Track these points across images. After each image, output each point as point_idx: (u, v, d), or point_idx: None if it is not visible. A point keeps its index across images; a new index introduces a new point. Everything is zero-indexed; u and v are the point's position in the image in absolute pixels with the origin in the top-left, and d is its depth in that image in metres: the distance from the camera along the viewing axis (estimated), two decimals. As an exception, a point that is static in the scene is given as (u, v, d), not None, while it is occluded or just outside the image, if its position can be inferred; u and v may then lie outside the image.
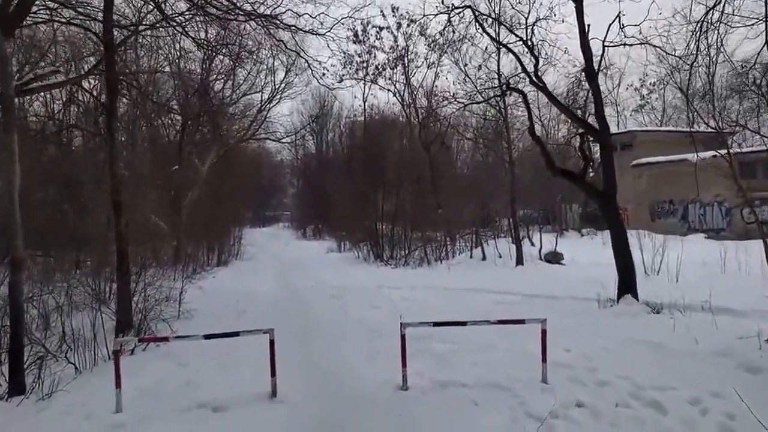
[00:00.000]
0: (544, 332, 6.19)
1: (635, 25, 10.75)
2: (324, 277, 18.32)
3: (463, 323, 6.30)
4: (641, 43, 11.04)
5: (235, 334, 6.33)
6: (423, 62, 26.52)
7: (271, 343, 6.13)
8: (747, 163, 25.12)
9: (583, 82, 11.79)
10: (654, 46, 11.06)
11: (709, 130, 11.17)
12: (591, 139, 12.48)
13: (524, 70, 11.80)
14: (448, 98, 17.92)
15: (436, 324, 6.42)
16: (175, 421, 5.65)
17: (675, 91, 36.59)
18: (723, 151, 11.73)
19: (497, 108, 19.25)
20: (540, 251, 19.58)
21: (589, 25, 10.61)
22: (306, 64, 13.53)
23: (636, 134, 29.56)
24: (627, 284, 10.79)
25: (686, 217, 26.80)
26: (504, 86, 13.16)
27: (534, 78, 11.65)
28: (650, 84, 35.70)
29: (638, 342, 8.02)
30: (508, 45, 11.94)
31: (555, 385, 6.08)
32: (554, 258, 19.26)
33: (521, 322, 6.27)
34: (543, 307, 11.37)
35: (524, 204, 25.10)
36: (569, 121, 29.45)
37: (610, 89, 35.59)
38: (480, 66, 15.21)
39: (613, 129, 35.66)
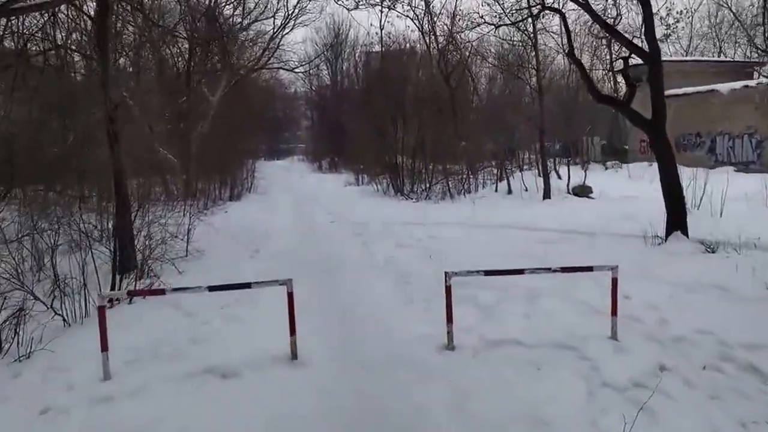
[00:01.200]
0: (615, 281, 5.35)
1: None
2: (343, 211, 17.49)
3: (521, 271, 5.43)
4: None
5: (246, 285, 5.49)
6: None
7: (290, 296, 5.26)
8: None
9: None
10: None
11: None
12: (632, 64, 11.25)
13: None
14: (473, 21, 16.50)
15: (488, 273, 5.54)
16: (174, 392, 4.72)
17: (703, 19, 34.50)
18: (753, 82, 10.69)
19: (526, 33, 17.84)
20: (568, 184, 18.60)
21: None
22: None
23: (662, 65, 27.80)
24: (677, 220, 9.88)
25: (714, 150, 25.45)
26: (540, 5, 11.84)
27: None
28: (677, 12, 33.49)
29: (704, 287, 7.18)
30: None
31: (627, 343, 5.28)
32: (583, 191, 18.30)
33: (589, 269, 5.43)
34: (585, 246, 10.54)
35: (548, 136, 23.91)
36: (596, 48, 27.85)
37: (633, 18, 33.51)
38: (510, -18, 13.76)
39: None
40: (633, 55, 10.98)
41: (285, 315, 5.35)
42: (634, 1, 10.29)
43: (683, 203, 10.00)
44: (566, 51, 10.94)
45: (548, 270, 5.39)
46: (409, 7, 25.32)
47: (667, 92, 26.55)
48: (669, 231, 9.89)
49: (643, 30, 9.83)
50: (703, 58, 28.53)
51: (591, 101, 29.08)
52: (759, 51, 23.53)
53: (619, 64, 22.18)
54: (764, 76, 24.31)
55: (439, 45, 25.14)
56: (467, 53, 22.18)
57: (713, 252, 9.13)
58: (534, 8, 12.39)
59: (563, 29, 10.97)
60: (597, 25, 22.83)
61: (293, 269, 8.84)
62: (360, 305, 7.37)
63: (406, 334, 5.98)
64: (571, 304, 6.58)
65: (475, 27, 14.57)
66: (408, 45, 28.26)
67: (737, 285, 7.15)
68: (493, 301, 6.82)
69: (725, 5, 14.96)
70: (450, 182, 20.63)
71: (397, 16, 26.69)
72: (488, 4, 15.41)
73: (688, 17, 33.16)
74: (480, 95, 23.13)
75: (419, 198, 20.23)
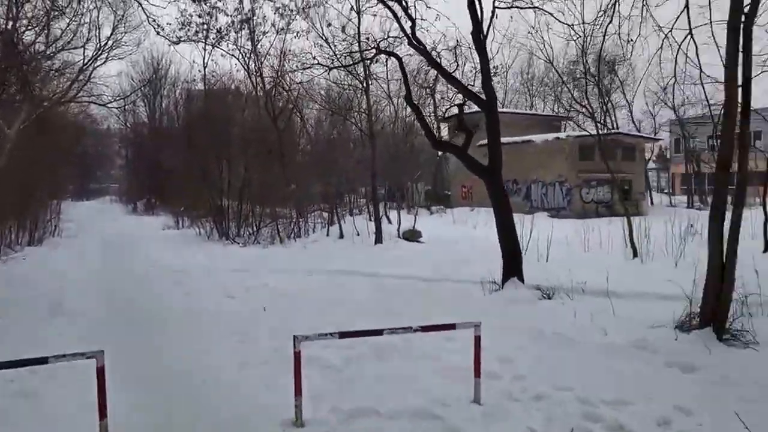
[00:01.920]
0: (477, 340, 4.86)
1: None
2: (163, 258, 15.67)
3: (379, 332, 4.70)
4: (533, 8, 10.14)
5: (42, 360, 4.10)
6: (271, 27, 24.17)
7: (100, 372, 4.02)
8: (587, 146, 26.44)
9: (463, 48, 10.73)
10: (546, 12, 10.20)
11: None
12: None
13: (403, 30, 10.43)
14: (304, 62, 16.07)
15: (343, 335, 4.74)
16: None
17: (516, 75, 38.11)
18: (564, 134, 11.66)
19: (358, 77, 17.83)
20: (398, 229, 18.66)
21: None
22: (139, 20, 10.90)
23: (483, 115, 29.88)
24: (513, 266, 9.99)
25: (530, 196, 27.69)
26: (374, 48, 11.70)
27: (413, 40, 10.34)
28: (493, 67, 36.62)
29: (549, 336, 7.07)
30: (385, 1, 10.41)
31: (491, 407, 4.78)
32: (413, 236, 18.47)
33: (451, 327, 4.87)
34: (426, 293, 10.26)
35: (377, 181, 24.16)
36: (420, 96, 29.07)
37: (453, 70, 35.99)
38: (344, 27, 13.57)
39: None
40: (468, 103, 11.19)
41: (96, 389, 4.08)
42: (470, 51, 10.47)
43: (519, 249, 10.15)
44: (404, 95, 10.83)
45: (409, 330, 4.73)
46: (234, 46, 24.34)
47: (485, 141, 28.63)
48: (506, 277, 9.95)
49: (477, 78, 9.98)
50: (518, 111, 31.06)
51: (418, 147, 30.29)
52: (565, 108, 26.32)
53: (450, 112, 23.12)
54: (582, 127, 26.73)
55: (266, 86, 24.43)
56: (296, 94, 21.70)
57: (549, 298, 9.27)
58: (368, 51, 12.23)
59: (402, 74, 10.84)
60: (421, 74, 23.95)
61: (105, 329, 7.49)
62: (187, 373, 6.11)
63: (244, 408, 4.95)
64: (426, 363, 6.02)
65: (305, 68, 14.16)
66: (233, 84, 27.17)
67: (579, 333, 7.14)
68: (342, 362, 6.02)
69: (546, 60, 16.19)
70: (279, 226, 19.70)
71: (222, 55, 25.24)
72: (320, 46, 15.09)
73: (503, 72, 36.20)
74: (310, 137, 22.69)
75: (246, 242, 18.98)
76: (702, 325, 6.90)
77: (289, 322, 7.57)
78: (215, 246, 18.86)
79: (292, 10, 21.33)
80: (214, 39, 23.53)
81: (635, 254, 13.86)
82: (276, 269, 13.14)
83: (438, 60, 10.34)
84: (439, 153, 31.97)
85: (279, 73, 22.06)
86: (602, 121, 36.64)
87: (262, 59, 22.78)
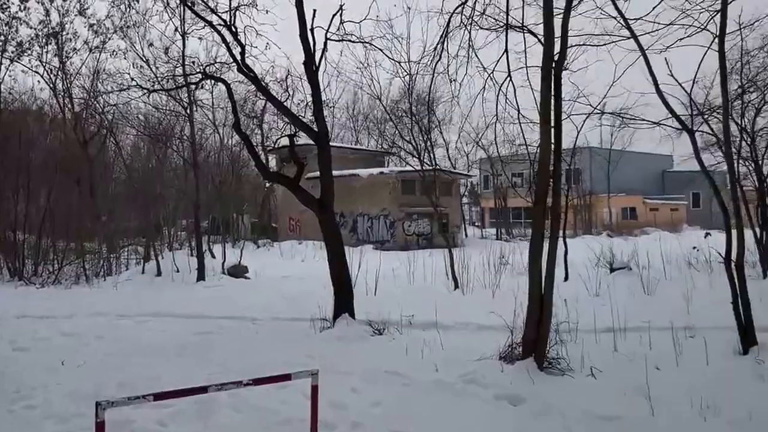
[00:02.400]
0: (315, 390, 4.46)
1: (356, 22, 9.89)
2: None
3: (203, 389, 4.09)
4: (364, 42, 10.24)
5: None
6: (84, 45, 22.07)
7: None
8: (408, 181, 27.57)
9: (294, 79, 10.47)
10: (377, 47, 10.35)
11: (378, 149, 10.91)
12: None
13: (232, 56, 9.93)
14: (120, 84, 14.73)
15: (159, 397, 4.05)
16: None
17: (342, 110, 38.94)
18: (387, 169, 12.04)
19: (181, 102, 16.74)
20: (223, 264, 17.70)
21: (315, 11, 9.37)
22: None
23: (311, 148, 29.91)
24: (344, 302, 9.79)
25: (356, 229, 28.07)
26: (202, 74, 11.00)
27: (243, 67, 9.89)
28: (324, 100, 37.05)
29: (383, 375, 6.90)
30: (215, 25, 9.84)
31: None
32: (238, 272, 17.63)
33: (286, 378, 4.42)
34: (252, 334, 9.66)
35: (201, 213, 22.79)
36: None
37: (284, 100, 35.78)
38: (167, 49, 12.62)
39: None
40: (298, 134, 10.91)
41: None
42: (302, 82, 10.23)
43: (350, 285, 9.99)
44: (231, 123, 10.24)
45: (239, 384, 4.20)
46: (38, 63, 21.78)
47: (315, 174, 28.62)
48: (337, 313, 9.71)
49: (308, 110, 9.77)
50: (344, 145, 31.51)
51: (244, 178, 29.38)
52: (388, 143, 27.27)
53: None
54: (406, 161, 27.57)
55: (76, 108, 22.14)
56: (111, 118, 19.84)
57: (380, 333, 9.18)
58: (193, 76, 11.47)
59: (230, 100, 10.26)
60: (249, 103, 23.31)
61: None
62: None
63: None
64: (258, 416, 5.48)
65: (122, 90, 12.91)
66: (35, 104, 24.25)
67: (412, 370, 7.09)
68: (156, 424, 5.27)
69: (375, 96, 16.53)
70: (86, 263, 17.63)
71: (23, 71, 22.36)
72: (140, 68, 13.92)
73: (331, 107, 36.66)
74: (126, 165, 20.83)
75: (45, 283, 16.65)
76: (524, 355, 7.18)
77: (94, 379, 6.58)
78: (4, 288, 16.28)
79: (108, 28, 19.69)
80: (13, 53, 20.93)
81: (456, 285, 14.48)
82: (80, 313, 11.60)
83: (267, 89, 9.97)
84: (267, 185, 31.35)
85: (91, 95, 20.08)
86: (422, 157, 38.87)
87: (72, 78, 20.59)
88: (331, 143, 26.98)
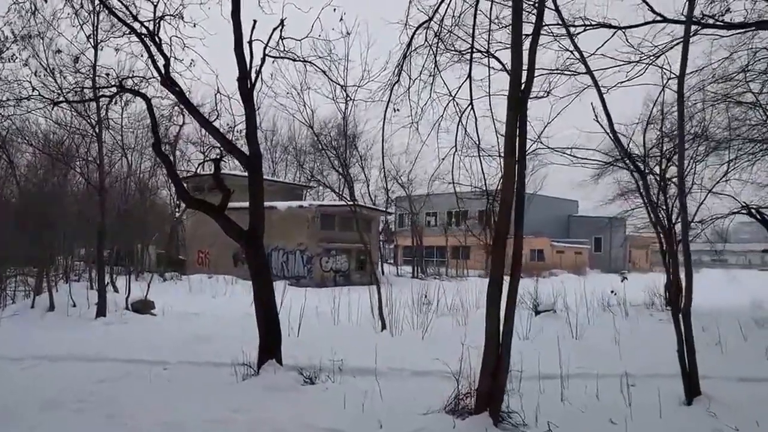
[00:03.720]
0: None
1: (297, 39, 9.23)
2: None
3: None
4: (303, 61, 9.57)
5: None
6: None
7: None
8: (328, 215, 26.81)
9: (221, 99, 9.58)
10: (318, 67, 9.71)
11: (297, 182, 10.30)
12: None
13: (156, 67, 8.96)
14: (17, 94, 13.09)
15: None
16: None
17: (261, 140, 37.81)
18: (307, 203, 11.44)
19: (89, 118, 15.21)
20: (127, 299, 16.09)
21: (255, 22, 8.62)
22: None
23: (224, 177, 28.53)
24: (271, 346, 8.84)
25: (270, 264, 26.83)
26: (118, 86, 9.87)
27: (167, 80, 8.94)
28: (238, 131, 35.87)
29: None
30: (139, 32, 8.86)
31: None
32: (145, 307, 16.08)
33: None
34: (162, 382, 8.48)
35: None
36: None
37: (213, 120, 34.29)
38: (77, 58, 11.31)
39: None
40: (225, 158, 9.99)
41: None
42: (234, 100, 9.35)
43: (278, 327, 9.06)
44: (152, 144, 9.19)
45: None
46: None
47: (230, 205, 27.29)
48: (262, 359, 8.74)
49: (243, 130, 8.89)
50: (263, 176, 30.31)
51: (152, 207, 27.48)
52: (308, 176, 26.46)
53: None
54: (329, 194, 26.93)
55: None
56: (4, 133, 17.74)
57: (312, 383, 8.34)
58: (106, 89, 10.29)
59: (150, 117, 9.21)
60: (162, 125, 21.87)
61: None
62: None
63: None
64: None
65: (21, 99, 11.35)
66: None
67: (354, 428, 6.43)
68: None
69: (306, 124, 15.76)
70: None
71: None
72: (42, 75, 12.44)
73: (264, 131, 35.48)
74: (20, 185, 18.63)
75: None
76: (478, 410, 6.60)
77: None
78: None
79: (6, 37, 17.79)
80: None
81: (384, 326, 13.82)
82: (-47, 355, 9.90)
83: (194, 105, 9.03)
84: (177, 214, 29.55)
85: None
86: (342, 192, 38.35)
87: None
88: (239, 174, 25.96)
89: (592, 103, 7.91)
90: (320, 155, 34.59)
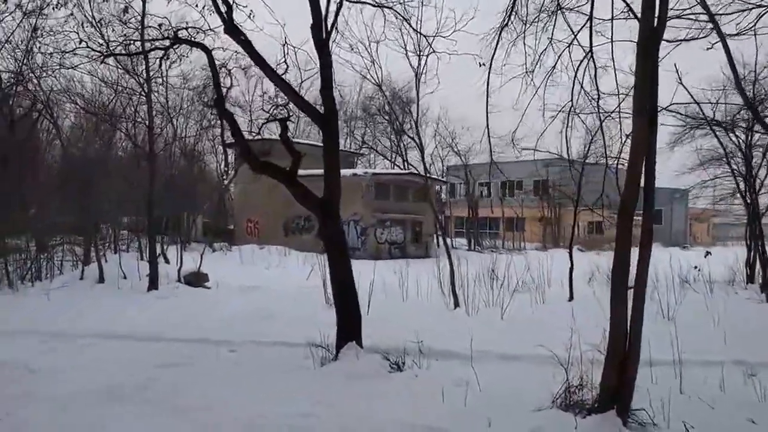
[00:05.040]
0: None
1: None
2: None
3: None
4: (382, 6, 8.27)
5: None
6: (16, 8, 19.10)
7: None
8: (382, 184, 25.61)
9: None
10: (396, 12, 8.37)
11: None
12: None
13: (219, 12, 7.78)
14: (63, 47, 12.14)
15: None
16: None
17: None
18: (361, 170, 10.24)
19: (138, 77, 14.26)
20: (179, 271, 15.27)
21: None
22: None
23: (274, 143, 27.48)
24: (350, 328, 7.76)
25: (345, 236, 25.89)
26: (173, 38, 8.75)
27: (231, 27, 7.75)
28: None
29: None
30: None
31: None
32: (197, 280, 15.26)
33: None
34: (232, 365, 7.51)
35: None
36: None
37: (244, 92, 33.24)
38: (126, 8, 10.21)
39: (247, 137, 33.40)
40: (292, 117, 8.86)
41: None
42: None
43: (358, 306, 7.95)
44: (214, 99, 8.07)
45: None
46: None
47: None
48: (341, 341, 7.67)
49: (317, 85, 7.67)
50: (312, 142, 29.00)
51: (199, 174, 26.75)
52: (359, 143, 25.28)
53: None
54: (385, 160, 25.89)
55: (3, 81, 19.18)
56: (48, 92, 16.86)
57: (400, 369, 7.22)
58: (161, 41, 9.17)
59: (211, 70, 8.08)
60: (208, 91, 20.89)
61: None
62: None
63: None
64: None
65: (68, 53, 10.32)
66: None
67: (461, 427, 5.38)
68: None
69: (377, 84, 14.47)
70: (9, 264, 14.81)
71: None
72: (87, 28, 11.35)
73: (337, 86, 34.36)
74: (65, 149, 17.85)
75: (-42, 286, 13.83)
76: (602, 407, 5.47)
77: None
78: None
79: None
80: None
81: (456, 303, 12.66)
82: (3, 331, 9.13)
83: (262, 57, 7.84)
84: (225, 182, 28.78)
85: (26, 59, 17.08)
86: (393, 160, 37.08)
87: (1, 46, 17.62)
88: (298, 140, 24.78)
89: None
90: (372, 121, 33.33)
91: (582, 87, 6.63)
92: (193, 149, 24.63)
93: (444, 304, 12.82)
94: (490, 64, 6.76)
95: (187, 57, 11.10)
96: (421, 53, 10.70)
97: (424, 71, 11.16)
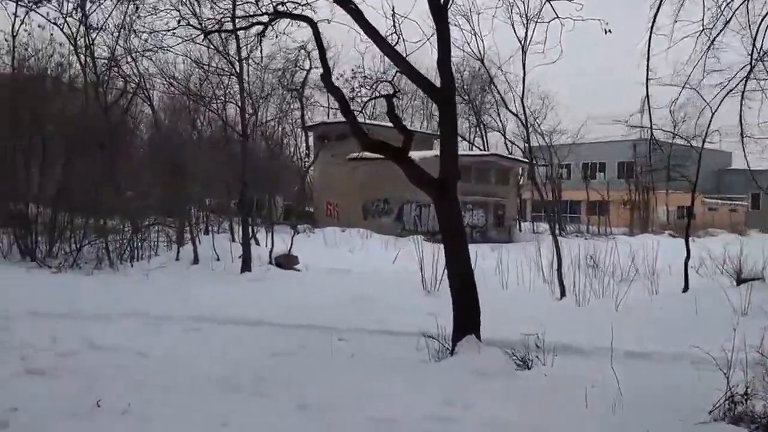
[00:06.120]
0: None
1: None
2: None
3: None
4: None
5: None
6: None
7: None
8: (464, 166, 24.72)
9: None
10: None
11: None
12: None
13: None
14: (156, 31, 12.05)
15: None
16: None
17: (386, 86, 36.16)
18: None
19: (228, 57, 14.10)
20: (271, 253, 15.16)
21: None
22: None
23: (456, 106, 27.09)
24: (469, 320, 7.20)
25: (401, 218, 25.46)
26: (272, 13, 8.35)
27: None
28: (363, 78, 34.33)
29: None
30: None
31: None
32: (287, 262, 15.12)
33: None
34: (346, 357, 7.12)
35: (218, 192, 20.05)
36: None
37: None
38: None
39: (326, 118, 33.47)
40: (398, 93, 8.32)
41: None
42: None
43: (476, 297, 7.37)
44: (321, 76, 7.62)
45: None
46: (59, 14, 19.10)
47: (358, 154, 25.90)
48: (459, 333, 7.12)
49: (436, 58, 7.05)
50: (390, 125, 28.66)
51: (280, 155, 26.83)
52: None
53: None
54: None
55: (98, 67, 19.60)
56: (142, 72, 17.02)
57: (528, 367, 6.63)
58: (259, 16, 8.78)
59: (318, 45, 7.64)
60: (287, 75, 20.74)
61: None
62: None
63: None
64: None
65: (167, 32, 10.19)
66: (53, 62, 21.55)
67: None
68: None
69: (478, 59, 13.66)
70: (109, 244, 15.10)
71: (39, 26, 19.63)
72: (180, 9, 11.18)
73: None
74: (160, 129, 18.08)
75: (62, 266, 14.16)
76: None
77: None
78: (14, 270, 13.71)
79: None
80: (29, 0, 18.28)
81: (563, 292, 11.93)
82: (110, 312, 9.12)
83: (374, 28, 7.31)
84: (306, 165, 28.75)
85: (122, 38, 17.22)
86: (472, 141, 36.14)
87: (97, 31, 17.91)
88: (376, 123, 24.28)
89: None
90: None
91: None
92: (274, 132, 24.68)
93: (548, 292, 12.13)
94: (651, 27, 5.91)
95: (285, 34, 10.67)
96: (530, 20, 9.84)
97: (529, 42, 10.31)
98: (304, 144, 30.30)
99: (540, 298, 11.62)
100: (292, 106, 24.83)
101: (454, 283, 7.35)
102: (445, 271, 11.89)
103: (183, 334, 8.02)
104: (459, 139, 35.22)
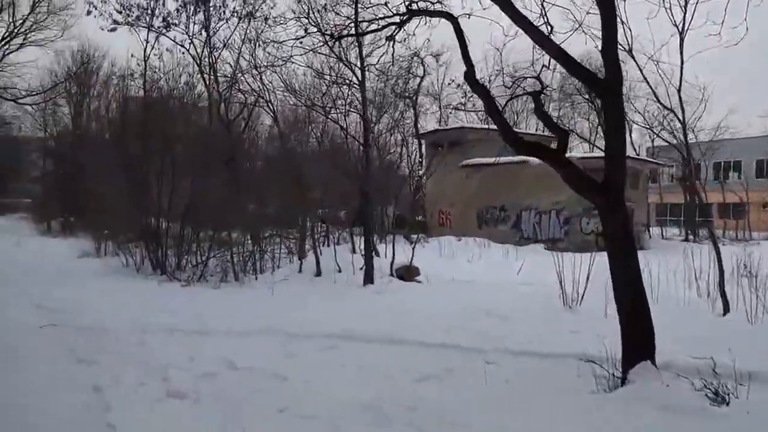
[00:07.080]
0: None
1: None
2: (68, 304, 10.92)
3: None
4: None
5: None
6: (233, 14, 20.06)
7: None
8: (588, 170, 23.25)
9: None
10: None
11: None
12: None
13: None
14: (282, 48, 11.96)
15: None
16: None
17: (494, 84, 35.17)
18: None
19: (350, 65, 13.87)
20: (392, 264, 14.67)
21: None
22: None
23: (466, 131, 26.36)
24: (642, 342, 6.20)
25: (519, 225, 24.28)
26: (405, 11, 7.82)
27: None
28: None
29: None
30: None
31: None
32: (408, 274, 14.55)
33: None
34: (501, 383, 6.31)
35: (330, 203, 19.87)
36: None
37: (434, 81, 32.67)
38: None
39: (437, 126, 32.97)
40: (546, 90, 7.49)
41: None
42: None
43: (649, 315, 6.36)
44: (464, 73, 6.96)
45: None
46: (186, 36, 19.90)
47: (473, 161, 25.07)
48: (631, 358, 6.14)
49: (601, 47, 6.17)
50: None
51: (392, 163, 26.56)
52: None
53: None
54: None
55: (220, 86, 20.18)
56: (258, 98, 17.32)
57: (724, 402, 5.54)
58: (389, 18, 8.28)
59: (460, 43, 6.99)
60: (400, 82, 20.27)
61: None
62: None
63: None
64: None
65: (295, 40, 9.97)
66: (181, 84, 22.53)
67: None
68: None
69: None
70: (234, 257, 15.25)
71: (168, 49, 20.78)
72: (297, 18, 10.95)
73: (486, 79, 33.08)
74: (283, 140, 18.26)
75: (191, 279, 14.44)
76: None
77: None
78: (147, 283, 14.18)
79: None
80: (159, 26, 19.24)
81: (727, 308, 10.44)
82: (241, 328, 8.91)
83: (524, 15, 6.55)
84: (420, 172, 28.33)
85: (247, 62, 17.59)
86: (594, 142, 34.25)
87: (219, 52, 18.49)
88: (485, 126, 23.30)
89: None
90: (569, 101, 30.97)
91: None
92: (386, 142, 24.37)
93: (706, 307, 10.70)
94: None
95: (413, 35, 10.14)
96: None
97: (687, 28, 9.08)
98: (416, 152, 29.83)
99: (698, 314, 10.23)
100: (404, 115, 24.45)
101: (624, 295, 6.34)
102: (588, 284, 10.95)
103: (318, 353, 7.58)
104: (578, 139, 33.38)
